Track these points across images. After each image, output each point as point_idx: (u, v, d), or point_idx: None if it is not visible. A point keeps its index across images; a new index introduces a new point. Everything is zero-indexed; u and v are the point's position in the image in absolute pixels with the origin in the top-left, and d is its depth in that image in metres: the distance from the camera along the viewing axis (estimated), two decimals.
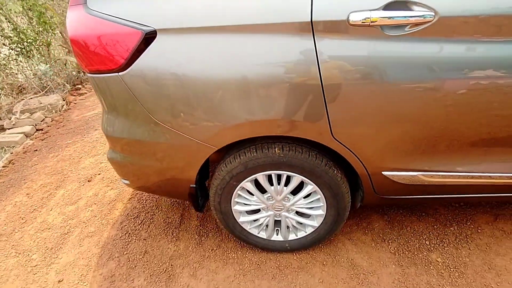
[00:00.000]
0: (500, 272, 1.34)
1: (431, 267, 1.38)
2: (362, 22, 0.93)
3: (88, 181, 2.31)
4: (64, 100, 3.88)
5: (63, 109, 3.75)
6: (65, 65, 4.76)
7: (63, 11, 4.67)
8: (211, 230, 1.72)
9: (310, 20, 0.95)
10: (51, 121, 3.45)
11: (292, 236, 1.48)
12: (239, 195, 1.35)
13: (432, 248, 1.47)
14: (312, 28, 0.96)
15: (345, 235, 1.59)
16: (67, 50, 4.77)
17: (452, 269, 1.36)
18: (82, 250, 1.72)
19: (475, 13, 0.91)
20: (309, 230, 1.44)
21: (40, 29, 4.20)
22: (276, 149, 1.20)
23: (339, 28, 0.95)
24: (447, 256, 1.42)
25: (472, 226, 1.55)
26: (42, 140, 3.09)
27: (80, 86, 4.36)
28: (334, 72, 0.99)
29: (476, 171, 1.18)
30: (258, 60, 1.01)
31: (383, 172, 1.18)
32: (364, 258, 1.46)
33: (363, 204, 1.38)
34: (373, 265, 1.43)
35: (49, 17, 4.34)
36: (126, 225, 1.84)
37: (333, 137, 1.10)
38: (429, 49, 0.95)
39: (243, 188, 1.32)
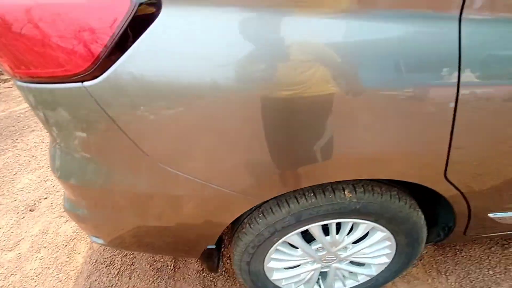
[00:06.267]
0: None
1: None
2: None
3: (30, 210, 1.70)
4: None
5: None
6: None
7: None
8: (218, 276, 1.30)
9: None
10: None
11: (338, 285, 1.12)
12: (278, 250, 0.94)
13: (499, 280, 1.22)
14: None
15: None
16: None
17: None
18: None
19: None
20: (362, 279, 1.10)
21: None
22: (345, 192, 0.79)
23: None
24: None
25: None
26: None
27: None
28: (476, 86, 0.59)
29: None
30: None
31: (489, 214, 0.86)
32: None
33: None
34: None
35: None
36: (96, 280, 1.32)
37: (445, 177, 0.72)
38: None
39: (285, 241, 0.91)
